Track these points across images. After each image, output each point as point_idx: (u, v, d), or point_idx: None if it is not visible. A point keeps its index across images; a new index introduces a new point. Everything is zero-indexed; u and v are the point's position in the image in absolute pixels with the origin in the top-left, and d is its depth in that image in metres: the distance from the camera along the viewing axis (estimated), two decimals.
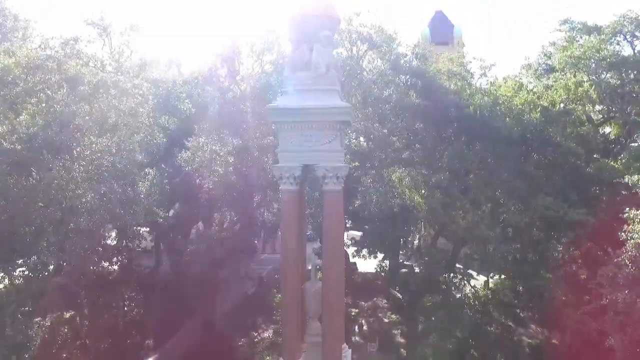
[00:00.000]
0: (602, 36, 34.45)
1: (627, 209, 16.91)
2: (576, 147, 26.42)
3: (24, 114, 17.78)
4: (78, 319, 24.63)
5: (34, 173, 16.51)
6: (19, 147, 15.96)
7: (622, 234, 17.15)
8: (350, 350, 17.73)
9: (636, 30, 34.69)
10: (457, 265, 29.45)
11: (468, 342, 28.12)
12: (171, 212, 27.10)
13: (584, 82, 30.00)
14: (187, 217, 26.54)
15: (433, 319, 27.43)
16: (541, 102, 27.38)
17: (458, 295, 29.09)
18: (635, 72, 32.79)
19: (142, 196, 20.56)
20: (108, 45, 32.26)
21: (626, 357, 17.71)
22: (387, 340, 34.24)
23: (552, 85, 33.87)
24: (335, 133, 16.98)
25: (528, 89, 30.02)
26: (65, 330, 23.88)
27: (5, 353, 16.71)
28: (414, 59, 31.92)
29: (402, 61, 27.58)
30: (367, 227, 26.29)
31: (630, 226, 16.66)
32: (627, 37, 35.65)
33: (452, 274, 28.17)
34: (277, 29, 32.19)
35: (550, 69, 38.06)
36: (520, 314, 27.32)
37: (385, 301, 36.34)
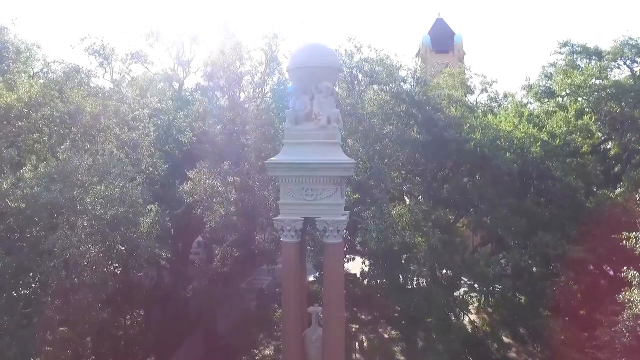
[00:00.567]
0: (603, 62, 34.64)
1: (626, 268, 16.92)
2: (576, 181, 26.52)
3: (27, 165, 17.90)
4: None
5: (38, 230, 16.61)
6: (24, 205, 16.08)
7: (620, 296, 17.16)
8: None
9: (636, 57, 34.86)
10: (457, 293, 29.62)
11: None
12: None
13: (585, 115, 30.15)
14: (188, 252, 26.70)
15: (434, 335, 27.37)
16: (541, 136, 27.47)
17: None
18: (635, 99, 32.91)
19: (144, 237, 20.68)
20: (109, 73, 32.41)
21: None
22: (388, 358, 34.37)
23: (553, 111, 34.06)
24: (335, 187, 17.15)
25: (528, 118, 30.08)
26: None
27: None
28: (415, 86, 32.02)
29: (403, 94, 27.65)
30: (367, 263, 26.46)
31: (628, 292, 16.66)
32: (627, 62, 35.84)
33: (451, 301, 28.28)
34: (277, 57, 32.52)
35: (551, 92, 38.22)
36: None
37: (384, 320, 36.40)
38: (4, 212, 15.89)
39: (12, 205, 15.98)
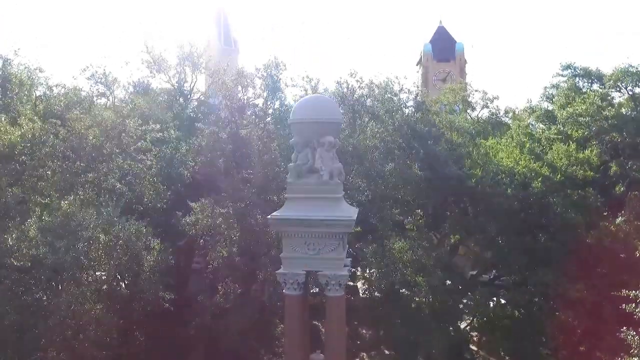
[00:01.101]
0: (604, 89, 34.92)
1: (625, 328, 16.98)
2: (576, 217, 26.64)
3: (32, 217, 18.04)
4: None
5: (44, 289, 16.79)
6: (29, 263, 16.26)
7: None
8: None
9: (637, 84, 35.08)
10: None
11: None
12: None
13: (586, 144, 30.30)
14: (190, 285, 26.93)
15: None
16: (542, 170, 27.59)
17: None
18: (636, 127, 33.06)
19: (147, 280, 20.83)
20: (112, 101, 32.58)
21: None
22: None
23: (555, 138, 34.18)
24: (338, 242, 17.34)
25: (530, 149, 30.20)
26: None
27: None
28: (416, 111, 32.13)
29: (404, 127, 27.80)
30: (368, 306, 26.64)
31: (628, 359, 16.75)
32: (628, 90, 36.10)
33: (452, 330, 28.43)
34: (279, 87, 32.67)
35: (552, 117, 38.36)
36: None
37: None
38: (9, 269, 16.05)
39: (18, 264, 16.15)
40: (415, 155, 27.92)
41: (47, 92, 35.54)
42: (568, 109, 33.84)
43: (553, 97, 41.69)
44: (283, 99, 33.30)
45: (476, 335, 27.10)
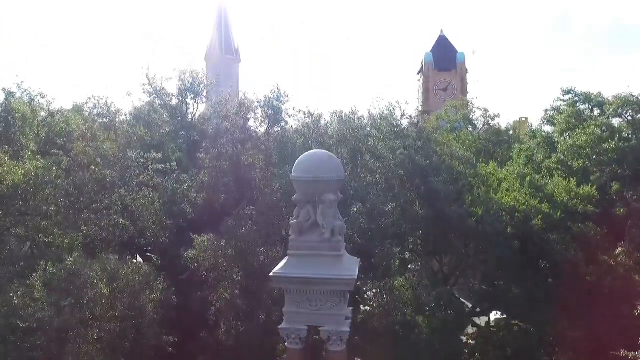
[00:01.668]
0: (605, 120, 35.18)
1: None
2: (576, 253, 26.81)
3: (38, 271, 18.20)
4: None
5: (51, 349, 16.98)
6: (34, 325, 16.41)
7: None
8: None
9: (637, 114, 35.28)
10: None
11: None
12: None
13: (587, 180, 30.52)
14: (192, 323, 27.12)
15: None
16: (543, 208, 27.78)
17: None
18: (636, 158, 33.22)
19: (150, 325, 21.01)
20: (114, 132, 32.75)
21: None
22: None
23: (555, 168, 34.39)
24: (339, 299, 17.61)
25: (530, 182, 30.38)
26: None
27: None
28: (417, 140, 32.15)
29: (406, 161, 27.95)
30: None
31: None
32: (628, 117, 36.26)
33: None
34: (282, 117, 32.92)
35: (552, 143, 38.54)
36: None
37: None
38: (15, 328, 16.25)
39: (24, 326, 16.35)
40: (416, 190, 28.09)
41: (49, 119, 35.88)
42: (568, 140, 34.00)
43: (554, 118, 41.84)
44: (285, 125, 33.63)
45: None
